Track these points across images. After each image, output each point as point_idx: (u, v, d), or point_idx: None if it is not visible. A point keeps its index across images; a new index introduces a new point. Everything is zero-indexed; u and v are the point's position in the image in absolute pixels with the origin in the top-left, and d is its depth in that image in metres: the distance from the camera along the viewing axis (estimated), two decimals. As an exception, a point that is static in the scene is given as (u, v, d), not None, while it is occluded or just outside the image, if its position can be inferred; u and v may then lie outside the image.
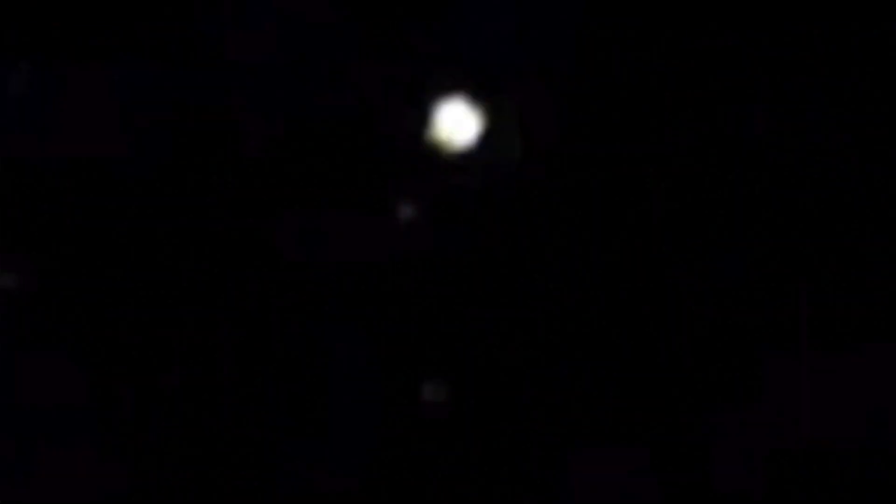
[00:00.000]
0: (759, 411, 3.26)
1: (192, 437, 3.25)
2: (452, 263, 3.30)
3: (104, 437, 3.24)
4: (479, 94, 3.33)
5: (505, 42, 3.33)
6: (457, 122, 3.33)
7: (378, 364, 3.28)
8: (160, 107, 3.30)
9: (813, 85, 3.32)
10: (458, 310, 3.30)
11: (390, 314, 3.28)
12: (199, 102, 3.31)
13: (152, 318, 3.27)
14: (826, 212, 3.30)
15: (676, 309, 3.31)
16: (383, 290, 3.29)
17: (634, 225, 3.31)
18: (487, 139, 3.32)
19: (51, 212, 3.28)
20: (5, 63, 3.30)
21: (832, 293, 3.27)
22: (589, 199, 3.31)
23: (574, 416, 3.29)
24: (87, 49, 3.30)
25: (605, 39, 3.34)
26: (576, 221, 3.31)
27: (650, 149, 3.33)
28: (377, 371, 3.29)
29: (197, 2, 3.31)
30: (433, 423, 3.28)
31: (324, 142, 3.31)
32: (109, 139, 3.30)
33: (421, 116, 3.32)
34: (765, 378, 3.28)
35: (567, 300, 3.30)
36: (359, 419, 3.27)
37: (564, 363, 3.29)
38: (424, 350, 3.28)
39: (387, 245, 3.31)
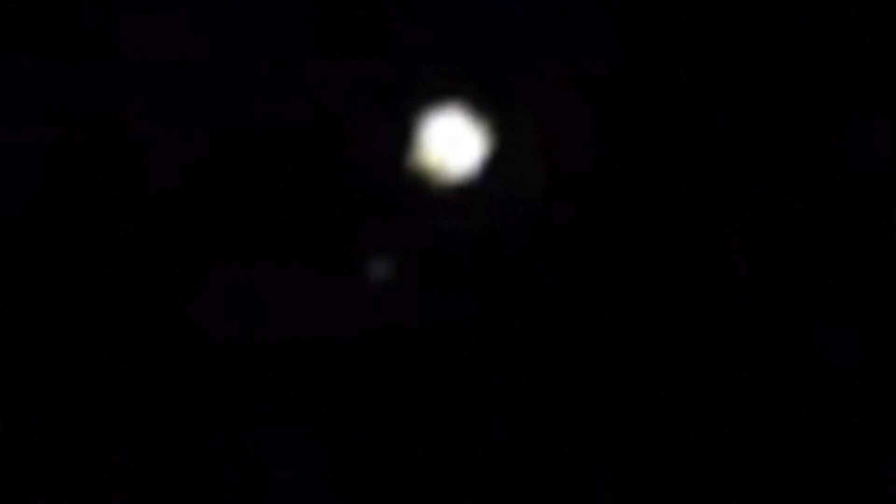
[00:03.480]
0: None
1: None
2: (442, 345, 2.33)
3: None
4: (482, 104, 2.37)
5: (518, 32, 2.38)
6: (452, 142, 2.37)
7: (334, 488, 2.30)
8: (33, 120, 2.33)
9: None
10: (448, 414, 2.33)
11: (352, 419, 2.31)
12: (89, 115, 2.33)
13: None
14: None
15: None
16: (343, 384, 2.32)
17: (692, 289, 2.36)
18: (494, 166, 2.36)
19: None
20: None
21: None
22: (632, 250, 2.36)
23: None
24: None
25: (655, 30, 2.39)
26: (614, 282, 2.35)
27: (716, 178, 2.37)
28: (332, 496, 2.31)
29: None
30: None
31: (264, 169, 2.34)
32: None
33: (402, 134, 2.36)
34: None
35: (601, 400, 2.34)
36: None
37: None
38: (399, 471, 2.31)
39: (350, 319, 2.33)
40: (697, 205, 2.37)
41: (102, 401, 2.31)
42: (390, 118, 2.35)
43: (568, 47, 2.38)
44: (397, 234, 2.34)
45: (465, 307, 2.33)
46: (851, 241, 2.34)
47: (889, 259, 2.36)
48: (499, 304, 2.33)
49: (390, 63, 2.35)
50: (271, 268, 2.32)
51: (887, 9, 2.37)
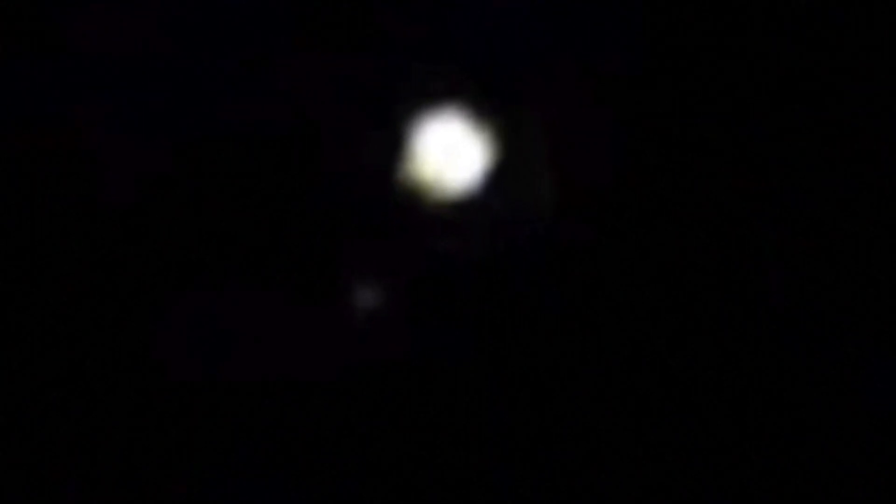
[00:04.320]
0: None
1: None
2: (438, 385, 2.04)
3: None
4: (484, 107, 2.07)
5: (525, 26, 2.08)
6: (450, 152, 2.07)
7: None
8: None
9: None
10: (444, 463, 2.03)
11: (334, 468, 2.01)
12: (32, 120, 2.04)
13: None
14: None
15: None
16: (324, 428, 2.02)
17: (725, 322, 2.06)
18: (498, 179, 2.06)
19: None
20: None
21: None
22: (656, 277, 2.06)
23: None
24: None
25: (683, 21, 2.09)
26: (635, 314, 2.05)
27: (751, 192, 2.08)
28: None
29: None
30: None
31: (234, 182, 2.05)
32: None
33: (392, 142, 2.06)
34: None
35: (616, 444, 2.04)
36: None
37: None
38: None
39: (333, 354, 2.04)
40: (730, 223, 2.07)
41: (49, 448, 2.02)
42: (378, 124, 2.05)
43: (582, 42, 2.08)
44: (387, 257, 2.04)
45: (463, 341, 2.03)
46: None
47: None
48: (502, 337, 2.03)
49: (378, 61, 2.05)
50: (243, 295, 2.03)
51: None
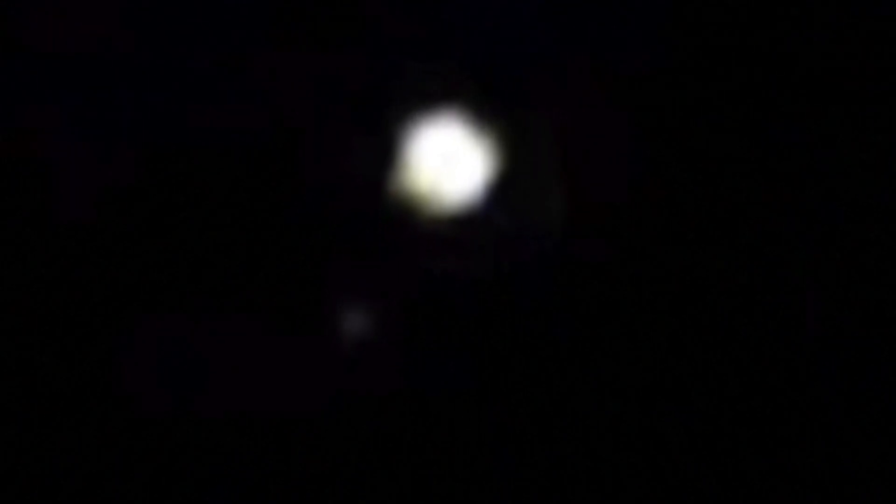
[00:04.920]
0: None
1: None
2: (434, 419, 1.83)
3: None
4: (486, 111, 1.85)
5: (533, 19, 1.86)
6: (448, 161, 1.86)
7: None
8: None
9: None
10: (442, 502, 1.82)
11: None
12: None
13: None
14: None
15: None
16: (309, 467, 1.81)
17: (755, 351, 1.85)
18: (502, 192, 1.85)
19: None
20: None
21: None
22: (678, 300, 1.85)
23: None
24: None
25: (710, 15, 1.87)
26: (654, 342, 1.84)
27: (784, 206, 1.86)
28: None
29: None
30: None
31: (205, 196, 1.83)
32: None
33: (383, 150, 1.85)
34: None
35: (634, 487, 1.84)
36: None
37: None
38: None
39: (318, 386, 1.83)
40: (761, 242, 1.85)
41: (7, 491, 1.82)
42: (367, 130, 1.83)
43: (596, 36, 1.86)
44: (377, 279, 1.83)
45: (462, 373, 1.82)
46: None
47: None
48: (506, 370, 1.82)
49: (367, 59, 1.83)
50: (217, 322, 1.82)
51: None
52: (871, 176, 1.87)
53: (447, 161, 1.85)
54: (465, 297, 1.82)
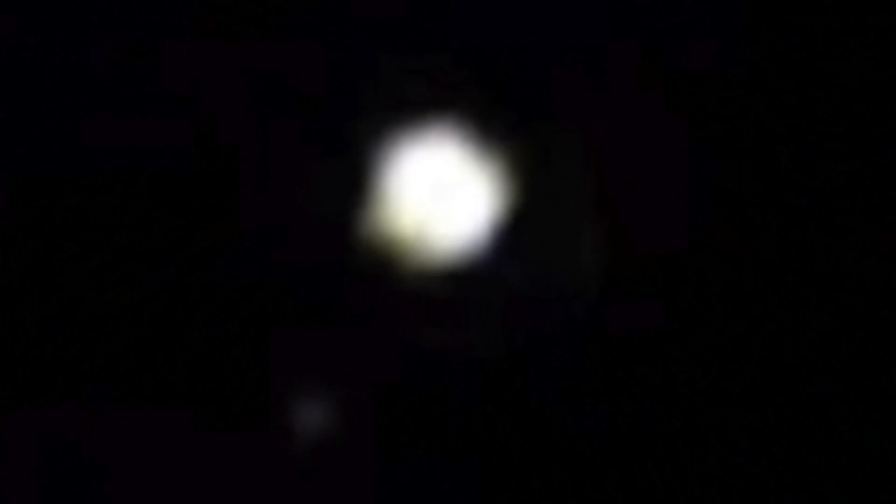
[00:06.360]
0: None
1: None
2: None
3: None
4: (493, 127, 1.35)
5: (555, 8, 1.35)
6: (440, 195, 1.36)
7: None
8: None
9: None
10: None
11: None
12: None
13: None
14: None
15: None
16: None
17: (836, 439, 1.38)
18: (513, 236, 1.35)
19: None
20: None
21: None
22: (749, 378, 1.37)
23: None
24: None
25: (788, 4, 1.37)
26: (711, 435, 1.37)
27: (879, 248, 1.38)
28: None
29: None
30: None
31: (107, 242, 1.33)
32: None
33: (351, 179, 1.34)
34: None
35: None
36: None
37: None
38: None
39: (265, 500, 1.35)
40: (848, 294, 1.37)
41: None
42: (330, 151, 1.33)
43: (644, 27, 1.35)
44: (342, 357, 1.34)
45: (458, 485, 1.34)
46: None
47: None
48: (519, 479, 1.35)
49: (330, 55, 1.32)
50: (121, 416, 1.33)
51: None
52: None
53: (439, 193, 1.35)
54: (463, 383, 1.34)
